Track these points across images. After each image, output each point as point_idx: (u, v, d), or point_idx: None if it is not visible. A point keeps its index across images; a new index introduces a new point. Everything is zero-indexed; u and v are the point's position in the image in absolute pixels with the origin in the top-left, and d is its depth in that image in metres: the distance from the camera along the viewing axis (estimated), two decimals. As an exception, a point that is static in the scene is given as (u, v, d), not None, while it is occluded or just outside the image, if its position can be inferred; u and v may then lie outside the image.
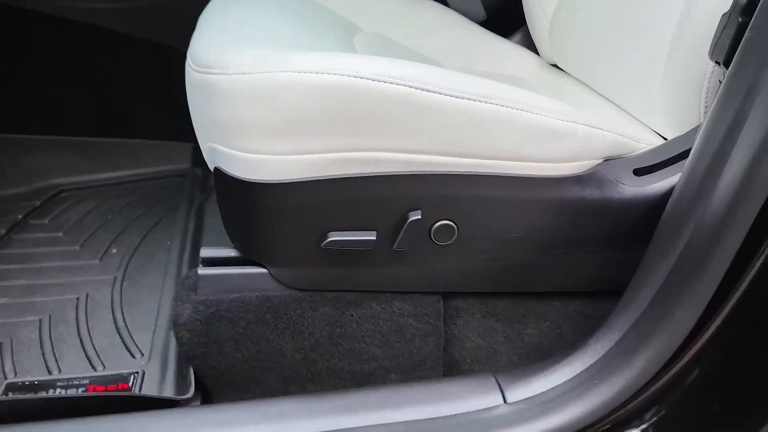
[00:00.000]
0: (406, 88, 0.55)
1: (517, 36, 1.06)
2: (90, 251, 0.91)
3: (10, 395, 0.64)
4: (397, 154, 0.58)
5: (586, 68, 0.90)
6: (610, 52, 0.83)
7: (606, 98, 0.86)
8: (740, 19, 0.54)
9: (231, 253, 0.65)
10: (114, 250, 0.92)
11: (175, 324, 0.64)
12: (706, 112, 0.65)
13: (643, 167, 0.64)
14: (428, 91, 0.55)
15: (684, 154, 0.63)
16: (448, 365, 0.68)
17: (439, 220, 0.60)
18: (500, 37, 1.02)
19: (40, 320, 0.78)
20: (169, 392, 0.65)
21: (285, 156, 0.57)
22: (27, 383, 0.67)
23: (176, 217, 0.98)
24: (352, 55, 0.58)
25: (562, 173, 0.61)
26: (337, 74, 0.54)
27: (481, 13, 1.05)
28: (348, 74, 0.54)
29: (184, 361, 0.68)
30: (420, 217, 0.59)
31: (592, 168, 0.63)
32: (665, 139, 0.71)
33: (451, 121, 0.57)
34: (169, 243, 0.93)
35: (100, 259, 0.90)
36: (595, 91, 0.88)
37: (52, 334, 0.76)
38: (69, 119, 1.08)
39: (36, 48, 1.03)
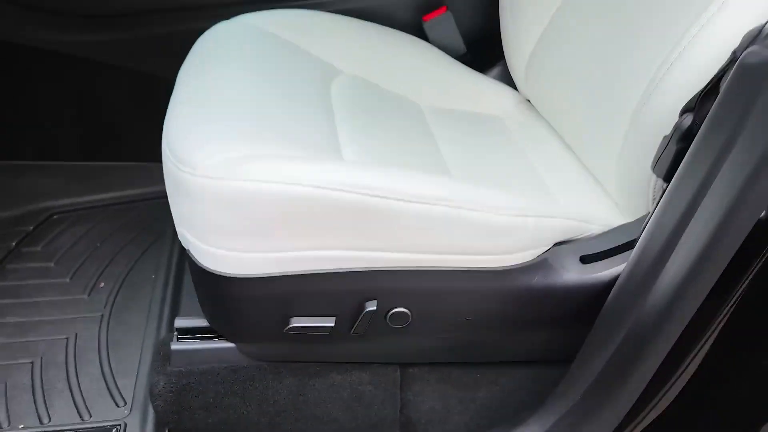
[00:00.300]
0: (361, 196, 0.58)
1: (497, 69, 1.07)
2: (79, 284, 0.97)
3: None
4: (353, 252, 0.61)
5: (557, 116, 0.92)
6: (579, 106, 0.85)
7: (571, 150, 0.88)
8: (679, 146, 0.56)
9: (203, 323, 0.70)
10: (101, 284, 0.97)
11: (150, 394, 0.69)
12: (654, 201, 0.68)
13: (590, 254, 0.68)
14: (382, 197, 0.59)
15: (630, 244, 0.66)
16: (404, 426, 0.74)
17: (394, 308, 0.64)
18: (478, 73, 1.03)
19: (32, 363, 0.84)
20: (147, 449, 0.72)
21: (248, 253, 0.61)
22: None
23: (162, 245, 1.03)
24: (312, 162, 0.61)
25: (511, 264, 0.65)
26: (296, 185, 0.57)
27: (461, 48, 1.06)
28: (306, 185, 0.57)
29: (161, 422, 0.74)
30: (375, 308, 0.63)
31: (540, 256, 0.67)
32: (618, 205, 0.75)
33: (404, 224, 0.60)
34: (153, 276, 0.98)
35: (89, 294, 0.95)
36: (563, 140, 0.91)
37: (43, 378, 0.82)
38: (60, 145, 1.12)
39: (28, 78, 1.05)
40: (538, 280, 0.66)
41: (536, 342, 0.72)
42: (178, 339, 0.69)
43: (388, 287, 0.63)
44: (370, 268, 0.62)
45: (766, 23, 0.52)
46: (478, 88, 1.02)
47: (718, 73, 0.54)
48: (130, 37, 1.02)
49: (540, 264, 0.66)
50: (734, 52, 0.52)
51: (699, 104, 0.58)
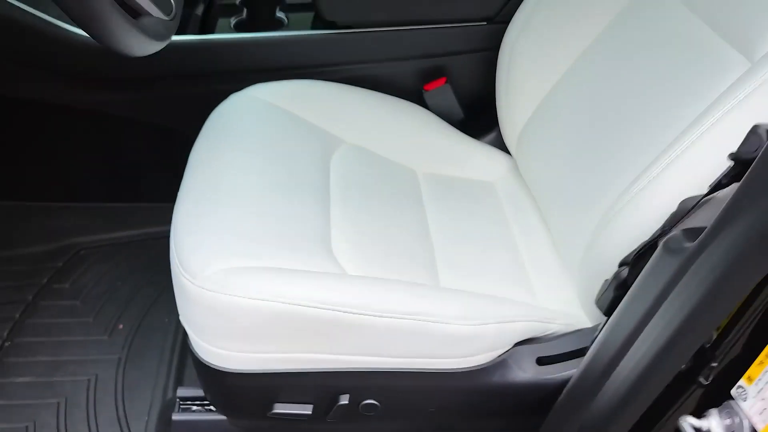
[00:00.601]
0: (336, 312, 0.66)
1: (493, 134, 1.12)
2: (101, 325, 1.07)
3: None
4: (328, 356, 0.70)
5: (540, 192, 0.98)
6: (558, 190, 0.91)
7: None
8: (615, 293, 0.63)
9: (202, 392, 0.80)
10: (120, 326, 1.07)
11: None
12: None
13: (546, 356, 0.75)
14: (354, 313, 0.67)
15: (583, 351, 0.73)
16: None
17: (365, 400, 0.73)
18: (473, 139, 1.09)
19: (58, 404, 0.95)
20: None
21: (236, 353, 0.69)
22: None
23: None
24: (297, 278, 0.69)
25: (472, 365, 0.73)
26: (280, 302, 0.66)
27: (459, 115, 1.12)
28: (288, 303, 0.66)
29: None
30: (348, 401, 0.72)
31: (500, 356, 0.74)
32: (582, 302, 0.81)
33: (374, 334, 0.68)
34: (167, 320, 1.08)
35: (109, 336, 1.06)
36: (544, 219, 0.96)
37: (67, 420, 0.93)
38: (86, 188, 1.22)
39: (59, 130, 1.15)
40: (496, 379, 0.73)
41: (497, 426, 0.80)
42: (180, 408, 0.79)
43: (359, 384, 0.71)
44: (343, 369, 0.70)
45: (692, 207, 0.57)
46: (472, 155, 1.08)
47: (654, 236, 0.60)
48: (149, 96, 1.10)
49: (499, 364, 0.74)
50: (662, 229, 0.58)
51: (634, 261, 0.64)
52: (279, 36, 1.07)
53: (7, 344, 1.03)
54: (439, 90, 1.09)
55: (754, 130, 0.51)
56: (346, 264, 0.77)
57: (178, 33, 1.03)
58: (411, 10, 1.05)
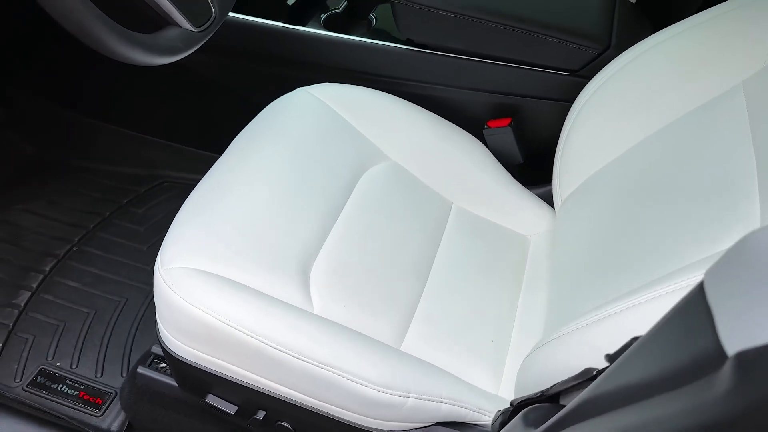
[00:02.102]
0: (259, 342, 0.71)
1: (547, 188, 1.06)
2: (151, 255, 1.21)
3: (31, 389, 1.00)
4: (251, 375, 0.75)
5: (554, 271, 0.91)
6: (566, 279, 0.85)
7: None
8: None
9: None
10: (163, 263, 1.21)
11: (120, 393, 0.92)
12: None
13: (461, 447, 0.73)
14: (276, 349, 0.70)
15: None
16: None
17: (280, 421, 0.78)
18: (523, 188, 1.03)
19: (87, 314, 1.11)
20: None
21: (179, 343, 0.77)
22: (49, 371, 1.02)
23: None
24: (238, 298, 0.73)
25: (383, 428, 0.74)
26: (212, 316, 0.71)
27: (517, 160, 1.06)
28: (218, 318, 0.71)
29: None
30: (263, 418, 0.77)
31: (414, 430, 0.74)
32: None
33: (293, 372, 0.71)
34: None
35: (151, 268, 1.20)
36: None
37: (89, 330, 1.09)
38: (181, 131, 1.35)
39: (163, 76, 1.27)
40: (407, 450, 0.74)
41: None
42: (149, 363, 0.90)
43: (276, 407, 0.76)
44: (263, 390, 0.75)
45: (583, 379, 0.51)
46: (517, 203, 1.03)
47: (545, 390, 0.55)
48: (234, 66, 1.18)
49: (410, 438, 0.74)
50: (553, 386, 0.53)
51: (564, 392, 0.59)
52: (355, 41, 1.07)
53: (74, 249, 1.21)
54: (501, 130, 1.04)
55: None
56: (314, 293, 0.80)
57: (268, 17, 1.10)
58: (492, 44, 1.00)
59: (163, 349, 0.79)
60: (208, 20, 0.77)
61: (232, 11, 1.09)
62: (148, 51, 0.68)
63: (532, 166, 1.07)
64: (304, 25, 1.09)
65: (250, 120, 0.97)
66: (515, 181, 1.03)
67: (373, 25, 1.12)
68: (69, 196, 1.30)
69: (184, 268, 0.75)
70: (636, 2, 1.07)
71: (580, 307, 0.76)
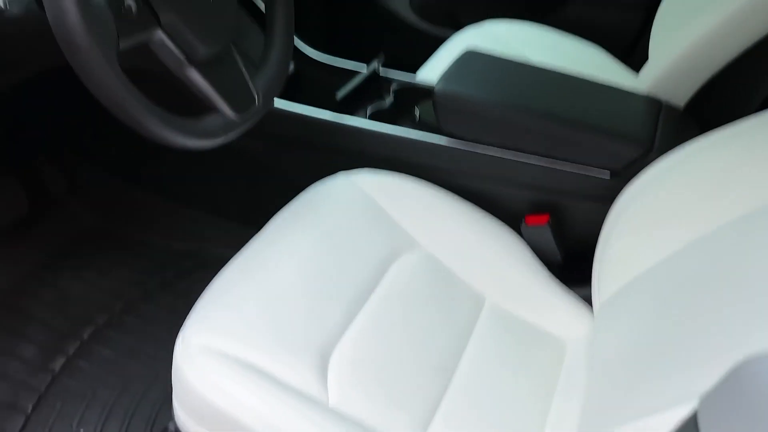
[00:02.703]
0: (264, 429, 0.69)
1: (587, 289, 1.01)
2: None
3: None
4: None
5: (589, 379, 0.86)
6: (600, 392, 0.80)
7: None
8: None
9: None
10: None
11: None
12: None
13: None
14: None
15: None
16: None
17: None
18: (562, 287, 1.00)
19: (117, 385, 1.12)
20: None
21: (193, 424, 0.76)
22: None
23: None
24: (251, 383, 0.72)
25: None
26: (220, 398, 0.71)
27: (557, 258, 1.03)
28: (229, 403, 0.70)
29: None
30: None
31: None
32: None
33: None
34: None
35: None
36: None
37: (117, 401, 1.09)
38: (227, 208, 1.40)
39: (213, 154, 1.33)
40: None
41: None
42: None
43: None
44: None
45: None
46: (554, 303, 0.99)
47: None
48: (281, 152, 1.22)
49: None
50: None
51: None
52: (398, 133, 1.10)
53: (115, 318, 1.24)
54: (539, 226, 1.02)
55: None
56: (332, 381, 0.78)
57: (317, 105, 1.14)
58: (532, 141, 1.00)
59: (176, 427, 0.79)
60: (251, 109, 0.81)
61: (285, 100, 1.14)
62: (187, 135, 0.71)
63: (571, 266, 1.04)
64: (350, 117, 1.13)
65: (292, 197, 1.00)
66: (553, 279, 1.00)
67: (417, 119, 1.15)
68: (118, 266, 1.35)
69: (203, 346, 0.75)
70: (685, 107, 1.06)
71: (615, 418, 0.71)
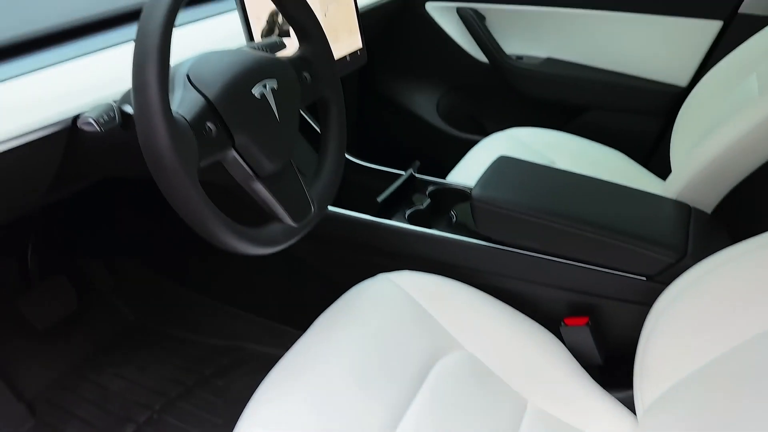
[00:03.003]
0: None
1: (629, 392, 1.02)
2: (225, 430, 1.23)
3: None
4: None
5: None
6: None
7: None
8: None
9: None
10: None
11: None
12: None
13: None
14: None
15: None
16: None
17: None
18: (603, 391, 1.00)
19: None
20: None
21: None
22: None
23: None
24: None
25: None
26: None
27: (596, 360, 1.05)
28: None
29: None
30: None
31: None
32: None
33: None
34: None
35: (224, 443, 1.21)
36: None
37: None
38: (266, 306, 1.44)
39: (258, 259, 1.39)
40: None
41: None
42: None
43: None
44: None
45: None
46: (595, 407, 1.00)
47: None
48: (324, 249, 1.27)
49: None
50: None
51: None
52: (436, 234, 1.15)
53: (154, 416, 1.25)
54: (578, 328, 1.04)
55: None
56: None
57: (359, 211, 1.20)
58: (568, 246, 1.04)
59: None
60: (307, 217, 0.87)
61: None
62: (252, 243, 0.77)
63: (612, 368, 1.05)
64: (390, 219, 1.19)
65: (332, 300, 1.03)
66: (594, 382, 1.01)
67: (453, 221, 1.20)
68: (158, 363, 1.37)
69: None
70: (712, 213, 1.10)
71: None
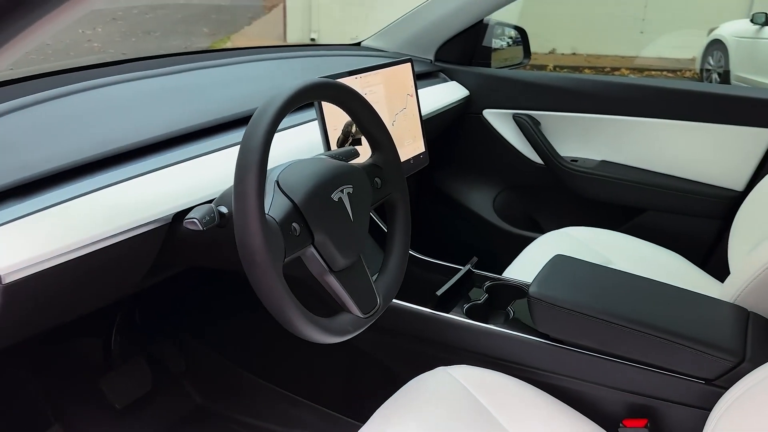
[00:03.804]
0: None
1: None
2: None
3: None
4: None
5: None
6: None
7: None
8: None
9: None
10: None
11: None
12: None
13: None
14: None
15: None
16: None
17: None
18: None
19: None
20: None
21: None
22: None
23: None
24: None
25: None
26: None
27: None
28: None
29: None
30: None
31: None
32: None
33: None
34: None
35: None
36: None
37: None
38: (325, 395, 1.48)
39: (320, 349, 1.45)
40: None
41: None
42: None
43: None
44: None
45: None
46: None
47: None
48: (385, 341, 1.32)
49: None
50: None
51: None
52: (493, 329, 1.19)
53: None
54: (637, 431, 1.04)
55: None
56: None
57: (418, 300, 1.26)
58: (626, 346, 1.07)
59: None
60: (374, 309, 0.93)
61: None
62: (324, 332, 0.83)
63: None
64: (448, 312, 1.24)
65: (390, 391, 1.07)
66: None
67: (510, 316, 1.25)
68: (219, 446, 1.43)
69: None
70: (770, 318, 1.11)
71: None
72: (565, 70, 7.35)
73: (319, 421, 1.47)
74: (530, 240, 1.69)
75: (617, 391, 1.09)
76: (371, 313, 0.93)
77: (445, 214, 2.14)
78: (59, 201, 0.85)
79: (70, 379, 1.38)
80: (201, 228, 0.81)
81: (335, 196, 0.88)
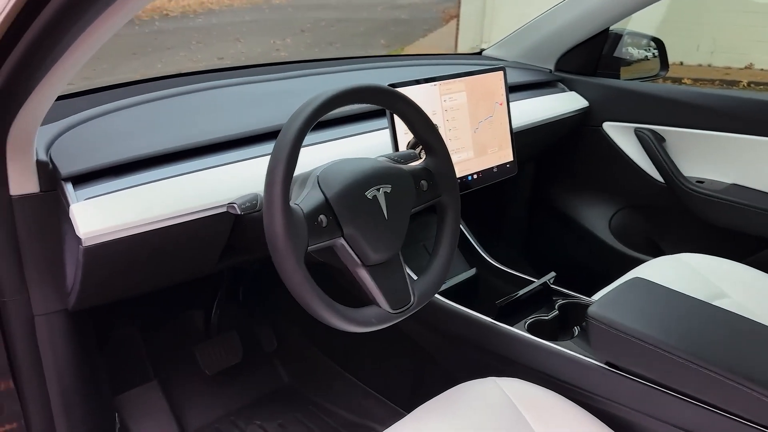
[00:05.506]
0: None
1: None
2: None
3: None
4: None
5: None
6: None
7: None
8: None
9: None
10: None
11: None
12: None
13: None
14: None
15: None
16: None
17: None
18: None
19: None
20: None
21: None
22: None
23: None
24: None
25: None
26: None
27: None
28: None
29: None
30: None
31: None
32: None
33: None
34: None
35: None
36: None
37: None
38: (391, 388, 1.52)
39: (388, 343, 1.50)
40: None
41: None
42: None
43: None
44: None
45: None
46: None
47: None
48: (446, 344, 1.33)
49: None
50: None
51: None
52: (548, 346, 1.13)
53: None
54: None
55: None
56: None
57: (480, 312, 1.26)
58: (687, 384, 0.97)
59: None
60: (405, 306, 0.96)
61: (452, 301, 1.28)
62: (343, 319, 0.88)
63: None
64: (511, 325, 1.22)
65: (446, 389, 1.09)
66: None
67: (574, 335, 1.19)
68: (297, 425, 1.52)
69: None
70: None
71: None
72: (760, 87, 6.59)
73: (386, 416, 1.52)
74: (643, 263, 1.58)
75: (672, 427, 1.00)
76: (401, 309, 0.95)
77: (554, 228, 2.07)
78: (131, 185, 0.98)
79: (171, 343, 1.56)
80: (239, 212, 0.90)
81: (370, 194, 0.93)
